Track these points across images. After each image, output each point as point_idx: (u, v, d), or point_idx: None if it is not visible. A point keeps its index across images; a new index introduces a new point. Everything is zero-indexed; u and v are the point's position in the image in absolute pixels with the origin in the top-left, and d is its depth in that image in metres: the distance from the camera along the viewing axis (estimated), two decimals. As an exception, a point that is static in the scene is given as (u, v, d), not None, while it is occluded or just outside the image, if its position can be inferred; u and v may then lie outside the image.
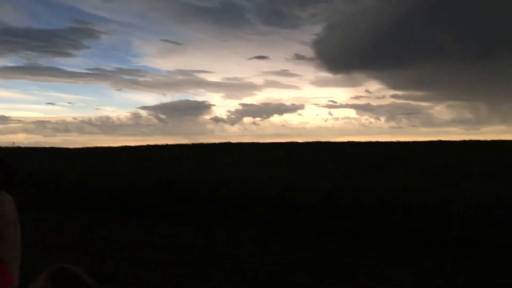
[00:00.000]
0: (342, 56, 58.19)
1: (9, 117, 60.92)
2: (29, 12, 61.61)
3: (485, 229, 7.96)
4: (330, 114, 72.26)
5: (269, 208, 10.33)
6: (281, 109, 70.09)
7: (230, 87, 71.85)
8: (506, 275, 6.77)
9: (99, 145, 37.88)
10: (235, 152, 24.64)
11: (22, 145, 34.34)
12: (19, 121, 60.80)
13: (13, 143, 34.19)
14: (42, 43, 56.02)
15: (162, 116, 63.24)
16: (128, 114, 66.27)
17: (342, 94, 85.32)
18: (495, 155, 19.76)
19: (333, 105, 71.94)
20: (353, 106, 72.88)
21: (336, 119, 66.62)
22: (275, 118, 68.81)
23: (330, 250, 7.97)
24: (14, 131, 59.18)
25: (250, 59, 67.95)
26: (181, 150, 28.49)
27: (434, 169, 14.47)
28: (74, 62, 72.35)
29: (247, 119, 64.36)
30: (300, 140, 33.08)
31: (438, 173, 13.31)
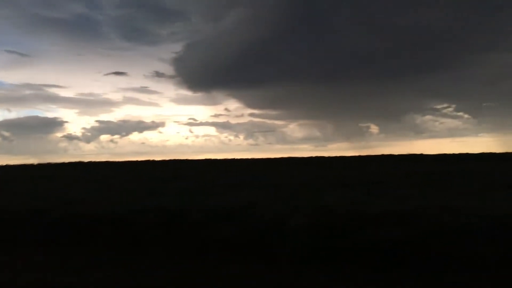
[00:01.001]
0: (202, 75, 59.25)
1: None
2: None
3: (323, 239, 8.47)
4: (191, 131, 72.71)
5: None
6: (141, 126, 68.43)
7: (86, 103, 67.92)
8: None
9: None
10: (88, 172, 23.08)
11: None
12: None
13: None
14: None
15: (6, 133, 56.88)
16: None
17: (202, 112, 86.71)
18: (340, 169, 21.66)
19: (193, 122, 72.54)
20: (213, 124, 74.53)
21: (197, 136, 67.26)
22: (135, 136, 66.94)
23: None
24: None
25: (107, 74, 65.42)
26: (27, 169, 25.80)
27: (282, 183, 15.25)
28: None
29: (104, 137, 61.40)
30: (159, 158, 32.41)
31: (284, 187, 14.01)
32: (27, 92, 61.66)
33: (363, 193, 12.23)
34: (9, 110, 66.87)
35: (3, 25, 55.64)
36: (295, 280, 6.78)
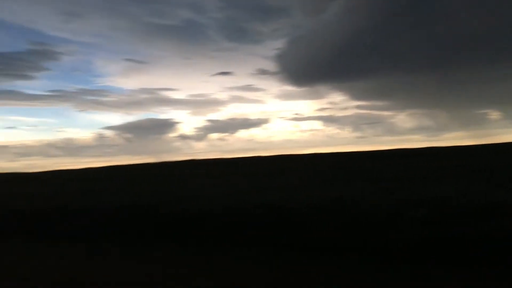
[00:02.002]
0: (305, 69, 59.01)
1: (-32, 142, 59.09)
2: (-15, 35, 60.31)
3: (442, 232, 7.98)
4: (296, 126, 72.77)
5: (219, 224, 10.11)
6: (247, 123, 70.27)
7: (195, 103, 71.68)
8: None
9: (62, 167, 36.99)
10: (200, 169, 24.39)
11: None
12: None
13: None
14: (0, 66, 54.79)
15: (127, 135, 62.38)
16: (93, 135, 65.16)
17: (307, 106, 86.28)
18: (456, 160, 20.20)
19: (298, 117, 72.64)
20: (318, 118, 73.76)
21: (302, 131, 67.16)
22: (242, 133, 68.98)
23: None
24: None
25: (214, 75, 68.22)
26: (146, 169, 28.05)
27: (394, 175, 14.62)
28: (34, 85, 71.03)
29: (213, 135, 64.25)
30: (266, 154, 33.09)
31: (396, 179, 13.43)
32: (144, 96, 66.93)
33: (484, 184, 11.27)
34: (129, 114, 73.09)
35: (122, 36, 61.00)
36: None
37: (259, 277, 6.81)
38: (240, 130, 69.34)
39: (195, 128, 68.03)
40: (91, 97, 66.53)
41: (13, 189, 18.31)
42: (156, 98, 65.89)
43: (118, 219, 11.60)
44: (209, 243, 9.64)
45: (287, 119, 73.03)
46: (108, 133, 66.15)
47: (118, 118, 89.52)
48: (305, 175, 16.29)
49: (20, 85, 70.85)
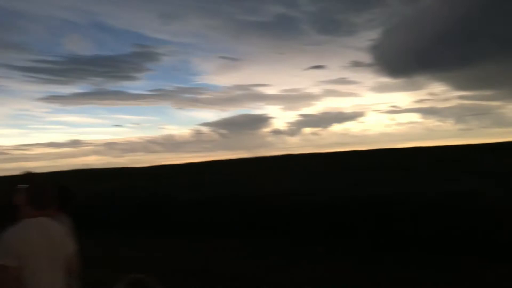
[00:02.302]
0: (402, 60, 56.27)
1: (81, 140, 65.18)
2: (94, 41, 65.71)
3: None
4: (393, 119, 69.75)
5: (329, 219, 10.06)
6: (341, 117, 68.74)
7: (288, 98, 71.71)
8: None
9: (164, 163, 39.24)
10: (295, 164, 24.49)
11: (94, 166, 36.25)
12: (90, 143, 64.85)
13: (84, 165, 36.21)
14: (108, 68, 59.40)
15: (222, 131, 64.41)
16: (190, 132, 68.09)
17: (404, 98, 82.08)
18: None
19: (395, 110, 69.62)
20: (417, 110, 69.80)
21: (399, 124, 64.17)
22: (335, 127, 67.73)
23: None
24: (86, 154, 63.03)
25: (306, 69, 67.59)
26: (243, 164, 28.77)
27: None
28: (137, 85, 75.96)
29: (306, 130, 63.92)
30: (362, 148, 32.26)
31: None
32: (238, 92, 68.39)
33: None
34: (223, 110, 75.37)
35: (216, 35, 62.84)
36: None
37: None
38: (334, 124, 68.09)
39: (288, 123, 68.26)
40: (188, 95, 69.62)
41: (123, 183, 19.75)
42: (249, 94, 67.20)
43: (222, 212, 12.05)
44: (310, 236, 9.66)
45: (383, 112, 70.22)
46: (205, 129, 68.74)
47: (213, 114, 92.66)
48: (408, 168, 15.59)
49: (125, 85, 76.11)
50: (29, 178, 3.51)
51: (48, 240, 3.26)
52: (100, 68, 58.66)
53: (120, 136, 78.66)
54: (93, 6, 58.82)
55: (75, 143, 62.86)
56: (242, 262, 8.58)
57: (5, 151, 60.34)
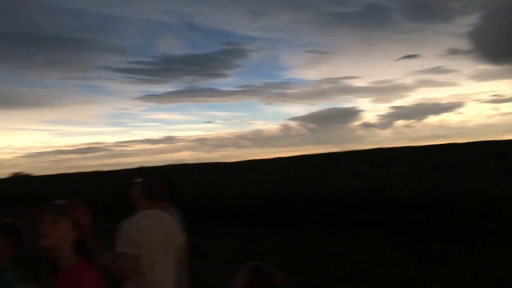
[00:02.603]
0: (505, 45, 51.65)
1: (174, 136, 68.91)
2: (186, 41, 68.86)
3: None
4: (496, 109, 64.19)
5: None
6: (437, 108, 64.82)
7: (379, 90, 69.17)
8: None
9: (253, 157, 40.05)
10: (387, 158, 23.68)
11: (187, 162, 38.06)
12: (183, 140, 68.26)
13: (183, 160, 38.03)
14: (199, 67, 62.01)
15: (311, 125, 64.05)
16: (278, 126, 68.69)
17: (508, 86, 75.22)
18: None
19: (497, 99, 64.32)
20: (525, 99, 63.55)
21: (503, 114, 58.95)
22: (431, 119, 64.10)
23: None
24: (179, 149, 66.43)
25: (398, 59, 64.71)
26: (333, 158, 28.46)
27: None
28: (227, 82, 78.37)
29: (399, 122, 61.38)
30: (460, 140, 30.27)
31: None
32: (326, 86, 67.59)
33: None
34: (312, 104, 74.90)
35: (304, 28, 62.55)
36: None
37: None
38: (429, 116, 64.70)
39: (379, 115, 66.23)
40: (277, 90, 70.32)
41: (216, 178, 20.41)
42: (338, 87, 66.05)
43: (316, 207, 12.03)
44: (416, 233, 9.34)
45: (484, 102, 65.06)
46: (293, 124, 68.92)
47: (301, 109, 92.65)
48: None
49: (215, 83, 79.28)
50: (143, 173, 3.82)
51: (162, 231, 3.51)
52: (191, 67, 61.46)
53: (211, 132, 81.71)
54: (184, 7, 61.69)
55: (169, 139, 66.62)
56: (334, 257, 8.54)
57: (107, 148, 65.64)
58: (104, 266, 3.02)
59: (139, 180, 3.73)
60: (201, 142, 68.24)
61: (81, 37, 61.73)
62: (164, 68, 61.51)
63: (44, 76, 69.96)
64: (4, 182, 36.76)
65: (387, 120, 61.27)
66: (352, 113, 63.38)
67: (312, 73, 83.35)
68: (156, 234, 3.44)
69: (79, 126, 77.54)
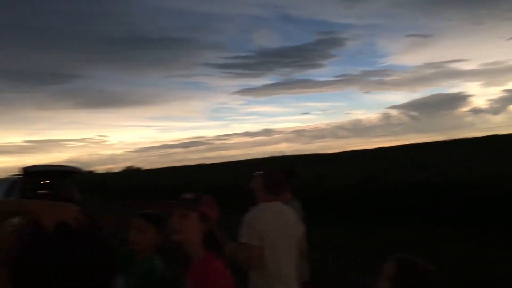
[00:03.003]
0: None
1: (272, 129, 69.83)
2: (281, 33, 69.28)
3: None
4: None
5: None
6: (560, 90, 57.92)
7: (490, 73, 63.43)
8: None
9: (353, 148, 39.16)
10: (503, 145, 21.72)
11: (286, 154, 38.22)
12: (280, 132, 68.94)
13: (282, 152, 38.34)
14: (294, 59, 62.09)
15: (413, 113, 60.92)
16: (378, 115, 66.43)
17: None
18: None
19: None
20: None
21: None
22: (557, 102, 57.44)
23: None
24: (277, 142, 67.22)
25: (511, 39, 58.66)
26: (439, 147, 26.85)
27: None
28: (323, 72, 77.37)
29: (514, 107, 55.87)
30: None
31: None
32: (429, 71, 63.56)
33: None
34: (414, 91, 71.12)
35: (403, 12, 59.44)
36: None
37: None
38: (547, 98, 58.19)
39: (490, 100, 60.89)
40: (375, 78, 67.90)
41: (315, 169, 20.34)
42: (443, 72, 61.80)
43: (417, 199, 11.53)
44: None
45: None
46: (394, 112, 66.27)
47: (402, 96, 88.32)
48: None
49: (311, 73, 78.56)
50: (264, 165, 3.95)
51: (284, 223, 3.58)
52: (287, 59, 61.81)
53: (308, 123, 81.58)
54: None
55: (267, 131, 67.75)
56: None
57: (208, 141, 68.66)
58: (229, 257, 3.19)
59: (259, 172, 3.84)
60: (299, 134, 68.41)
61: (181, 36, 65.11)
62: (260, 61, 62.61)
63: (148, 75, 75.10)
64: (119, 176, 39.97)
65: (499, 105, 56.21)
66: (459, 99, 59.07)
67: (413, 59, 79.01)
68: (278, 226, 3.50)
69: (181, 121, 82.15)
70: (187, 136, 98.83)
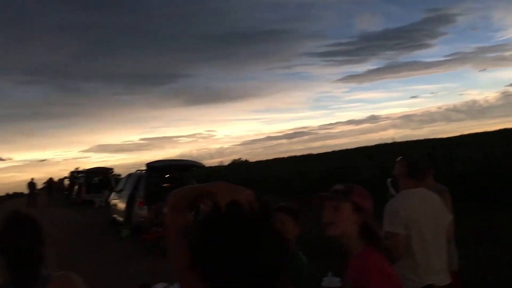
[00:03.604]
0: None
1: (378, 115, 67.05)
2: (383, 15, 66.27)
3: None
4: None
5: None
6: None
7: None
8: None
9: (469, 131, 36.19)
10: None
11: (396, 140, 36.21)
12: (387, 118, 66.02)
13: (393, 139, 36.60)
14: (399, 40, 59.15)
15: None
16: (497, 95, 60.53)
17: None
18: None
19: None
20: None
21: None
22: None
23: None
24: (384, 128, 64.54)
25: None
26: None
27: None
28: (431, 52, 72.59)
29: None
30: None
31: None
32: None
33: None
34: (539, 65, 63.66)
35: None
36: None
37: None
38: None
39: None
40: (492, 54, 61.91)
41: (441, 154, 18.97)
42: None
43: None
44: None
45: None
46: (515, 90, 59.97)
47: (525, 72, 79.46)
48: None
49: (418, 54, 74.31)
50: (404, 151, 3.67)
51: (430, 210, 3.36)
52: (391, 41, 59.04)
53: (417, 107, 77.26)
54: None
55: (372, 118, 65.43)
56: None
57: (312, 131, 68.27)
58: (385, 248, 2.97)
59: (400, 158, 3.59)
60: (408, 119, 64.99)
61: (280, 28, 65.57)
62: (362, 46, 60.71)
63: (250, 69, 76.99)
64: (227, 169, 41.15)
65: None
66: None
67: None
68: (424, 213, 3.31)
69: (284, 112, 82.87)
70: (291, 127, 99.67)
